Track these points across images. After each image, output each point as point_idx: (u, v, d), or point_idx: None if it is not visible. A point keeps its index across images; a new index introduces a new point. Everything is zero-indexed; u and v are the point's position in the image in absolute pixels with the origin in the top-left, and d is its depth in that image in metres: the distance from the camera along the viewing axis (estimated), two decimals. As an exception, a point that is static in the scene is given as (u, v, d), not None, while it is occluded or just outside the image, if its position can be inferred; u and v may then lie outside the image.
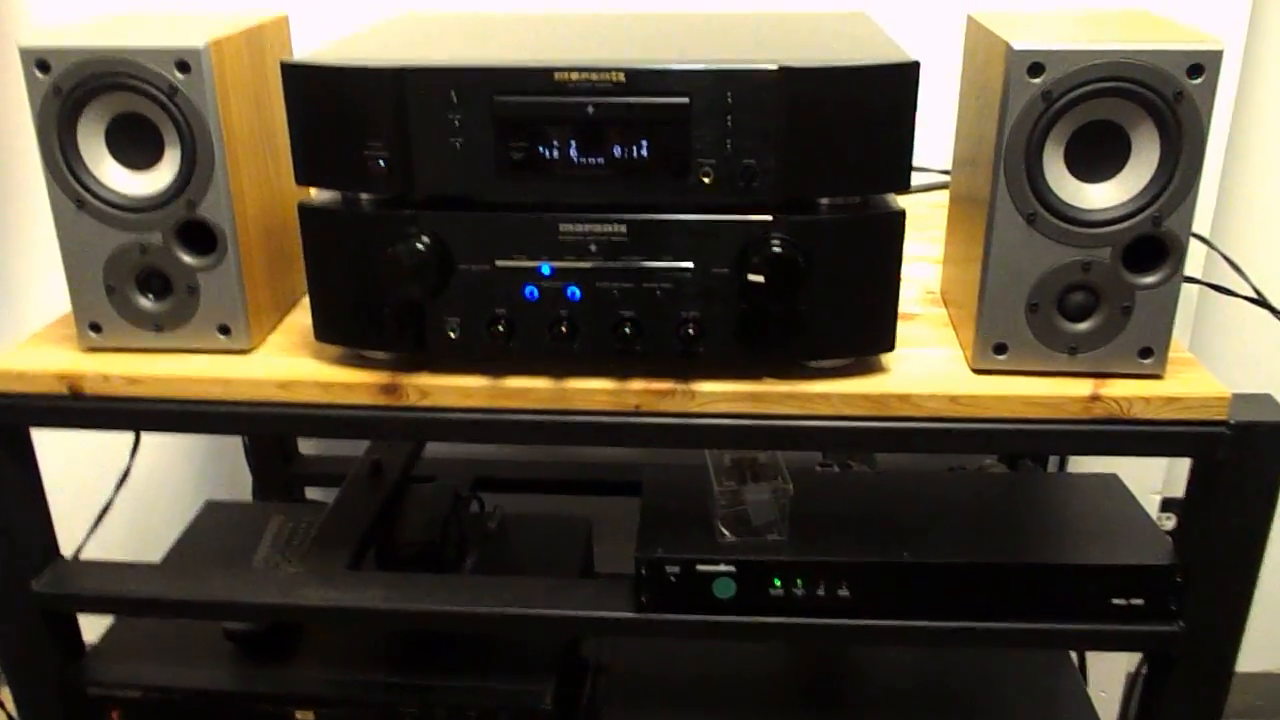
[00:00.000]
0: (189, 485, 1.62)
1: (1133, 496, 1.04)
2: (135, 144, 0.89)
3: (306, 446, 1.55)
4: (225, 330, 0.92)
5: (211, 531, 1.25)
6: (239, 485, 1.60)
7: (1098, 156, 0.83)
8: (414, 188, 0.84)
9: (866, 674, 1.16)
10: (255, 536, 1.20)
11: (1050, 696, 1.11)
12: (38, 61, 0.85)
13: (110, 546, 1.27)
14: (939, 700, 1.12)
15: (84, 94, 0.86)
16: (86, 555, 1.06)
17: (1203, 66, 0.79)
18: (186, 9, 1.34)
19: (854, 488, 1.06)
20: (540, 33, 0.98)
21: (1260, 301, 1.02)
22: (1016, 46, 0.79)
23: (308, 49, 0.88)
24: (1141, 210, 0.83)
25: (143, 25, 0.92)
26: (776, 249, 0.82)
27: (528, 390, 0.89)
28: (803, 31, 0.96)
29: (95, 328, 0.93)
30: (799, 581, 0.94)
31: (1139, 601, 0.93)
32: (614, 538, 1.29)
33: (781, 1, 1.32)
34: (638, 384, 0.88)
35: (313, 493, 1.61)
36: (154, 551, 1.29)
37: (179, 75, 0.85)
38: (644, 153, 0.82)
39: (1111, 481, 1.07)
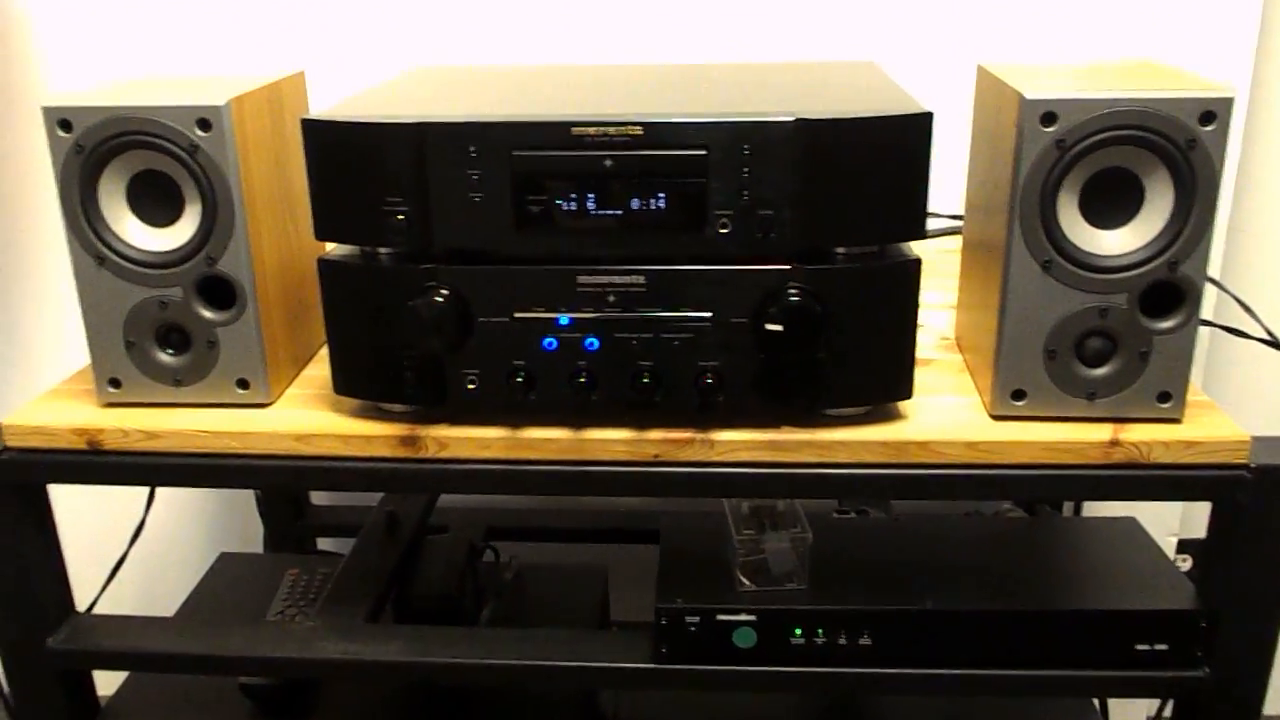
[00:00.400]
0: (201, 537, 1.62)
1: (1152, 540, 1.04)
2: (156, 201, 0.90)
3: (319, 497, 1.55)
4: (244, 384, 0.93)
5: (225, 584, 1.25)
6: (251, 536, 1.59)
7: (1111, 203, 0.84)
8: (433, 242, 0.84)
9: (887, 722, 1.16)
10: (270, 589, 1.20)
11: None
12: (60, 121, 0.86)
13: (122, 600, 1.27)
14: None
15: (106, 152, 0.87)
16: (99, 609, 1.06)
17: (1214, 114, 0.79)
18: (203, 68, 1.37)
19: (871, 535, 1.05)
20: (556, 87, 0.99)
21: (1273, 343, 1.02)
22: (1029, 96, 0.80)
23: (324, 105, 0.89)
24: (1157, 256, 0.83)
25: (163, 85, 0.93)
26: (794, 299, 0.82)
27: (546, 441, 0.89)
28: (815, 82, 0.97)
29: (114, 383, 0.93)
30: (820, 631, 0.93)
31: (1163, 647, 0.92)
32: (628, 585, 1.28)
33: (792, 52, 1.34)
34: (656, 434, 0.88)
35: (325, 543, 1.60)
36: (167, 604, 1.28)
37: (200, 133, 0.86)
38: (661, 204, 0.82)
39: (1130, 525, 1.06)
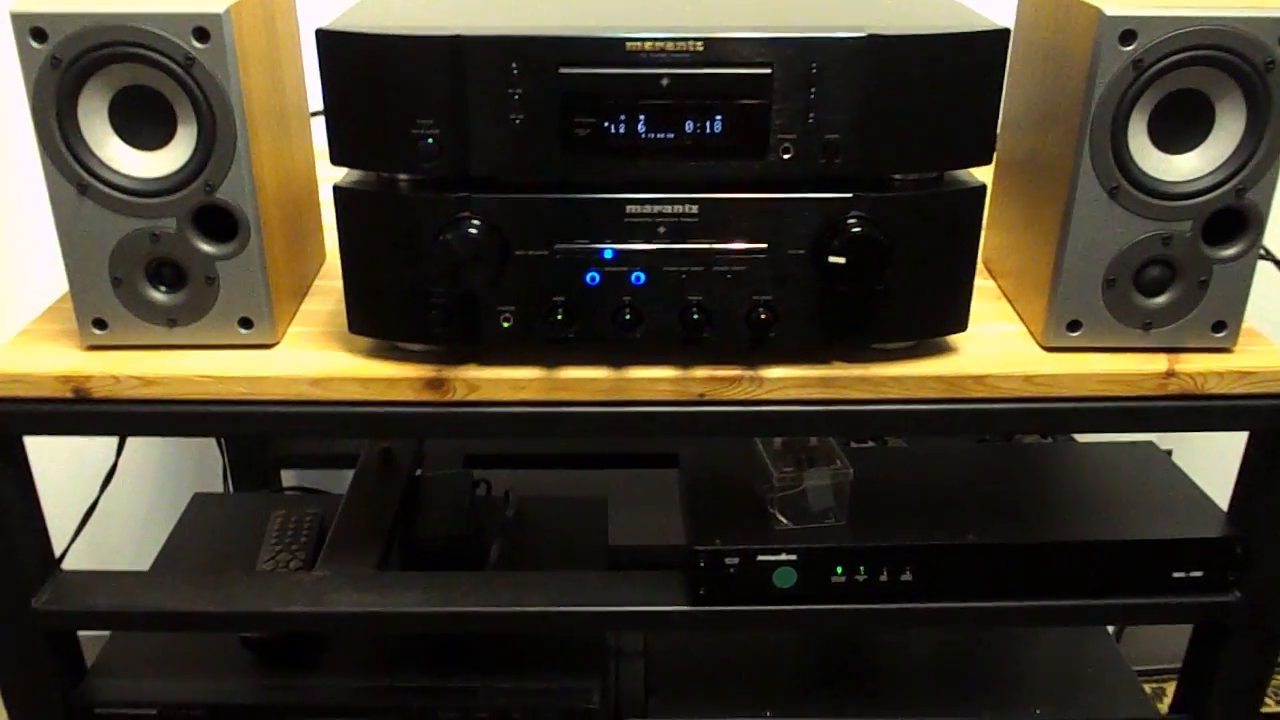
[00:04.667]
0: (158, 472, 1.52)
1: (1174, 464, 1.04)
2: (143, 121, 0.80)
3: (285, 429, 1.46)
4: (247, 323, 0.85)
5: (204, 529, 1.17)
6: (209, 469, 1.51)
7: (1179, 127, 0.80)
8: (467, 168, 0.77)
9: (900, 652, 1.15)
10: (254, 533, 1.13)
11: (1091, 665, 1.10)
12: (33, 29, 0.76)
13: (88, 546, 1.18)
14: (976, 676, 1.11)
15: (87, 66, 0.77)
16: (68, 563, 0.97)
17: (1295, 34, 0.76)
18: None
19: (897, 466, 1.03)
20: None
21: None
22: (1109, 12, 0.76)
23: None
24: (1225, 182, 0.80)
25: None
26: (859, 229, 0.78)
27: (585, 381, 0.83)
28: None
29: (100, 324, 0.84)
30: (862, 568, 0.91)
31: (1199, 573, 0.92)
32: (615, 508, 1.23)
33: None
34: (702, 371, 0.83)
35: (289, 476, 1.53)
36: (138, 551, 1.21)
37: (197, 44, 0.76)
38: (719, 127, 0.76)
39: (1149, 450, 1.06)
